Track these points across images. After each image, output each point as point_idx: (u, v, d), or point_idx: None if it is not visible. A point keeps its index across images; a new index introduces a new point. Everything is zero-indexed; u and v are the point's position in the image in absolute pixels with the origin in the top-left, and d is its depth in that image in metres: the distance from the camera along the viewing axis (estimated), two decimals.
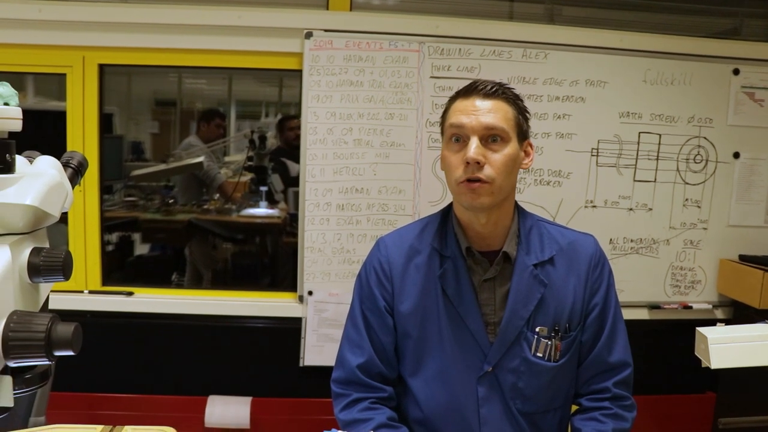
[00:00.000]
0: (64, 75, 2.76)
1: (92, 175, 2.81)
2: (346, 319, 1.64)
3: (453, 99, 1.52)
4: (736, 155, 2.95)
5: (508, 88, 1.50)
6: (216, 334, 2.90)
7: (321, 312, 2.80)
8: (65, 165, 0.94)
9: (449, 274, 1.51)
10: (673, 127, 2.90)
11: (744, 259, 2.93)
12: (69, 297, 2.80)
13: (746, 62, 2.91)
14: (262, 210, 4.49)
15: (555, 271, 1.52)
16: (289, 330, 2.85)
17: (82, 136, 2.77)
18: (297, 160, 2.79)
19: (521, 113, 1.49)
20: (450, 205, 1.60)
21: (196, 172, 4.61)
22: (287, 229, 4.27)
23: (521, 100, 1.51)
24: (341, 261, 2.79)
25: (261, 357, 2.93)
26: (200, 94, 7.19)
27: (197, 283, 4.42)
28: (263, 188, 4.50)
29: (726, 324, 1.58)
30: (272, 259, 4.52)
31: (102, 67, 2.79)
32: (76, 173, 0.96)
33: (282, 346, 2.88)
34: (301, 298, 2.82)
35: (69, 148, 2.78)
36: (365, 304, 1.59)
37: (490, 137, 1.42)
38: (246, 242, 4.62)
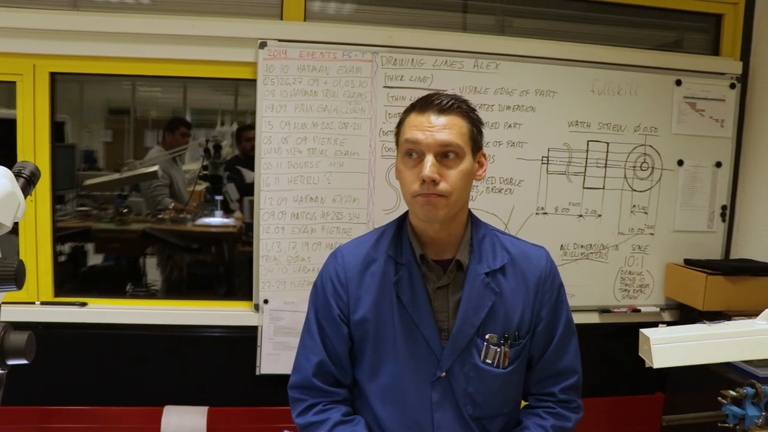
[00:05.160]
0: (13, 83, 2.72)
1: (44, 184, 2.76)
2: (302, 329, 1.65)
3: (408, 111, 1.52)
4: (680, 163, 3.05)
5: (463, 101, 1.51)
6: (171, 344, 2.88)
7: (277, 320, 2.80)
8: (17, 175, 0.94)
9: (404, 281, 1.54)
10: (620, 135, 2.99)
11: (689, 263, 3.02)
12: (20, 308, 2.76)
13: (687, 74, 3.01)
14: (217, 219, 4.46)
15: (505, 280, 1.55)
16: (245, 339, 2.85)
17: (33, 145, 2.73)
18: (252, 168, 2.79)
19: (475, 125, 1.51)
20: (406, 214, 1.61)
21: (151, 190, 4.55)
22: (243, 238, 4.24)
23: (475, 112, 1.53)
24: (296, 269, 2.80)
25: (217, 366, 2.91)
26: (155, 103, 7.10)
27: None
28: (218, 197, 4.47)
29: (669, 325, 1.63)
30: (228, 268, 4.49)
31: (53, 76, 2.75)
32: (28, 183, 0.96)
33: (238, 354, 2.87)
34: (256, 307, 2.82)
35: (20, 157, 2.73)
36: (320, 312, 1.60)
37: (445, 153, 1.44)
38: (201, 251, 4.57)
